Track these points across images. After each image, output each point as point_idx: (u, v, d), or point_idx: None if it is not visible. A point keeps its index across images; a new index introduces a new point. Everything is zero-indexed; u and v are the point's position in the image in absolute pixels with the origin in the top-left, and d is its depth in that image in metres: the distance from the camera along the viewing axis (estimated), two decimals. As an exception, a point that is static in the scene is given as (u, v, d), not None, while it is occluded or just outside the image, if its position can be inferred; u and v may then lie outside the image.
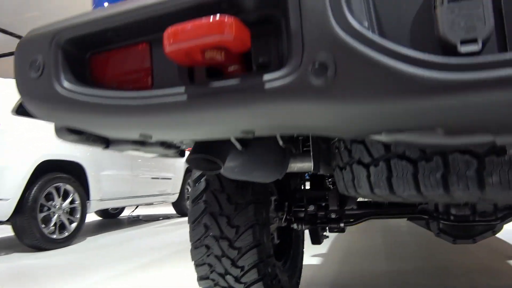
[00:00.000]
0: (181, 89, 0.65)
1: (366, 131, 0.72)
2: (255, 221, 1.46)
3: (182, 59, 0.62)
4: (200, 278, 1.53)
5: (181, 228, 5.43)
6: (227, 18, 0.59)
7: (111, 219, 7.36)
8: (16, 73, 0.75)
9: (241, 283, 1.46)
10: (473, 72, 0.54)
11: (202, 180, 1.49)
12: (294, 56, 0.61)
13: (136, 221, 6.97)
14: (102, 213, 7.22)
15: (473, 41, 0.57)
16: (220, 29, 0.59)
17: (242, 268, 1.45)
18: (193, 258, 1.52)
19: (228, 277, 1.47)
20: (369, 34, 0.58)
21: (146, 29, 0.69)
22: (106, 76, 0.75)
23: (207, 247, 1.48)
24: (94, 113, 0.69)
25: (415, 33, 0.60)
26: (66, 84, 0.71)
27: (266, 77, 0.62)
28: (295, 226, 1.82)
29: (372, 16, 0.61)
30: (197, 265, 1.52)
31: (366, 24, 0.59)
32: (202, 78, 0.68)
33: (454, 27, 0.57)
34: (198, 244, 1.49)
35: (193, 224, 1.49)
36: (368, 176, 1.08)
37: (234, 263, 1.46)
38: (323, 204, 1.83)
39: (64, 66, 0.71)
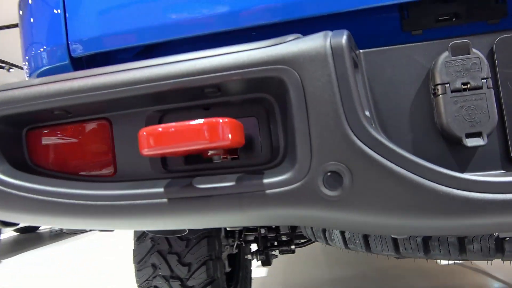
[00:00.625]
0: (155, 184, 0.53)
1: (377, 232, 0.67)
2: (209, 256, 1.36)
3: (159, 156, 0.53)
4: None
5: (111, 242, 5.08)
6: (221, 122, 0.50)
7: (30, 233, 6.70)
8: None
9: None
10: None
11: None
12: (300, 161, 0.54)
13: (58, 234, 6.41)
14: (19, 227, 6.54)
15: (478, 134, 0.56)
16: (214, 136, 0.49)
17: None
18: None
19: None
20: (389, 143, 0.54)
21: (107, 107, 0.55)
22: (50, 159, 0.59)
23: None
24: (40, 211, 0.53)
25: (416, 123, 0.59)
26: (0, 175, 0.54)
27: (266, 180, 0.54)
28: (248, 256, 1.75)
29: (372, 107, 0.58)
30: None
31: (374, 125, 0.57)
32: (179, 166, 0.57)
33: (458, 119, 0.56)
34: (145, 285, 1.36)
35: (139, 264, 1.35)
36: (343, 232, 1.01)
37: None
38: (274, 226, 1.77)
39: None
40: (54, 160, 0.59)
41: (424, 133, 0.59)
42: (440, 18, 0.66)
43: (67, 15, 0.62)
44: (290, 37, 0.58)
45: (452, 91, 0.57)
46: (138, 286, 1.37)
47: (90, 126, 0.58)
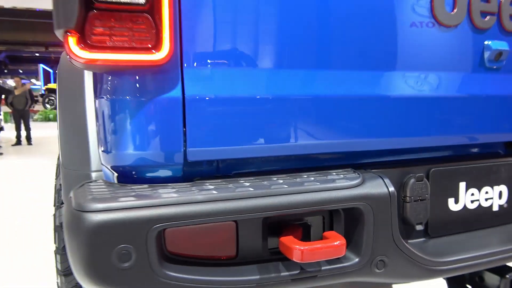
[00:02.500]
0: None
1: None
2: None
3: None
4: None
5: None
6: (341, 241, 0.77)
7: None
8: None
9: None
10: None
11: None
12: (363, 255, 0.82)
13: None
14: None
15: (421, 223, 0.94)
16: (340, 250, 0.76)
17: None
18: None
19: None
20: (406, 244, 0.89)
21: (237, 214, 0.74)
22: (185, 248, 0.74)
23: None
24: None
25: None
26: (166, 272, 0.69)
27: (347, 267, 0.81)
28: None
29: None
30: None
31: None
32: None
33: (414, 214, 0.93)
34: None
35: (66, 270, 1.38)
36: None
37: None
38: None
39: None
40: (185, 248, 0.74)
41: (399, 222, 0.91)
42: None
43: (187, 130, 0.76)
44: (352, 176, 0.84)
45: (414, 201, 0.93)
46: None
47: (221, 226, 0.74)
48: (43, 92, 20.23)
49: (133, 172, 0.80)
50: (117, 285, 0.66)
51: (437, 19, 0.92)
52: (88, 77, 1.35)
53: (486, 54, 0.99)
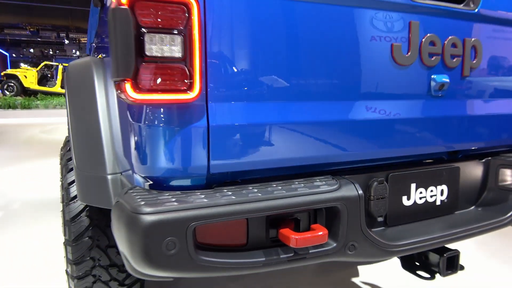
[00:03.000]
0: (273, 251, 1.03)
1: None
2: None
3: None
4: None
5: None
6: (324, 231, 1.04)
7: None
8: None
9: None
10: None
11: (83, 217, 1.61)
12: (339, 241, 1.08)
13: None
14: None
15: (381, 216, 1.26)
16: (324, 238, 1.03)
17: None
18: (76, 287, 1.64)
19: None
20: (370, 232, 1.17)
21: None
22: (210, 238, 0.99)
23: (94, 276, 1.64)
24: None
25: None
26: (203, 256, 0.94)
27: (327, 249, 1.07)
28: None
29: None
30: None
31: None
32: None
33: (376, 209, 1.24)
34: (83, 275, 1.62)
35: (77, 259, 1.60)
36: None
37: (121, 283, 1.68)
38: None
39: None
40: (210, 239, 0.99)
41: (365, 215, 1.18)
42: None
43: (210, 149, 0.99)
44: (331, 183, 1.09)
45: (376, 199, 1.21)
46: (75, 275, 1.60)
47: (237, 222, 0.99)
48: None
49: (165, 181, 1.03)
50: (165, 267, 0.89)
51: (396, 60, 1.20)
52: (99, 91, 1.54)
53: (433, 85, 1.28)
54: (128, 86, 0.89)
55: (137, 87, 0.90)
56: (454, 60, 1.30)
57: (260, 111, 1.04)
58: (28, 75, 17.89)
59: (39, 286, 2.46)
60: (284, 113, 1.07)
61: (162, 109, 0.96)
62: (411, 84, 1.25)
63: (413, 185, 1.32)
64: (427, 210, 1.37)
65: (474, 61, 1.35)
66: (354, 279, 2.44)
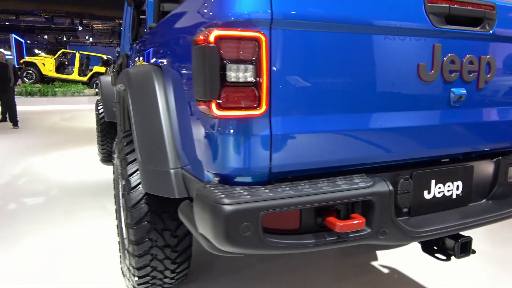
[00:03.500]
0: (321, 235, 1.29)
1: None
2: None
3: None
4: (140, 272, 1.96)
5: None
6: (362, 220, 1.27)
7: None
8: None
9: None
10: None
11: (142, 204, 1.89)
12: (373, 228, 1.30)
13: None
14: None
15: (406, 207, 1.54)
16: (362, 225, 1.25)
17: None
18: (137, 264, 1.93)
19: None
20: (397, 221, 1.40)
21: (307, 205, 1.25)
22: (272, 224, 1.24)
23: (152, 254, 1.93)
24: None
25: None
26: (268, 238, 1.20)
27: (364, 234, 1.30)
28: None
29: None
30: (139, 268, 1.95)
31: None
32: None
33: (402, 202, 1.50)
34: (143, 254, 1.91)
35: (138, 240, 1.89)
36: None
37: (173, 261, 2.00)
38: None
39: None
40: (272, 225, 1.23)
41: (394, 207, 1.39)
42: None
43: (272, 154, 1.24)
44: (366, 180, 1.33)
45: (402, 193, 1.47)
46: (136, 254, 1.89)
47: (292, 211, 1.24)
48: (16, 65, 19.88)
49: (233, 178, 1.29)
50: (241, 245, 1.15)
51: (421, 77, 1.43)
52: (160, 96, 1.79)
53: (452, 97, 1.51)
54: (213, 106, 1.14)
55: (220, 106, 1.15)
56: (471, 75, 1.53)
57: (311, 123, 1.29)
58: (46, 63, 18.30)
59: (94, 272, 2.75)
60: (330, 123, 1.32)
61: (236, 122, 1.21)
62: (433, 97, 1.48)
63: (433, 181, 1.56)
64: (444, 203, 1.60)
65: (488, 75, 1.57)
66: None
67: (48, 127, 10.01)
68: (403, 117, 1.44)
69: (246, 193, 1.19)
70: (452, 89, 1.50)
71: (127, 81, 2.01)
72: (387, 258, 2.76)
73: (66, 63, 19.71)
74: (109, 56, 19.46)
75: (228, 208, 1.13)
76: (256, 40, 1.15)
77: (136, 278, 2.04)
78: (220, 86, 1.13)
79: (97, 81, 19.03)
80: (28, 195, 4.29)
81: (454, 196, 1.62)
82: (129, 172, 2.00)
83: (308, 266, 2.64)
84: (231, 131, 1.21)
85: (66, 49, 25.26)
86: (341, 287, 2.40)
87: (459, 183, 1.63)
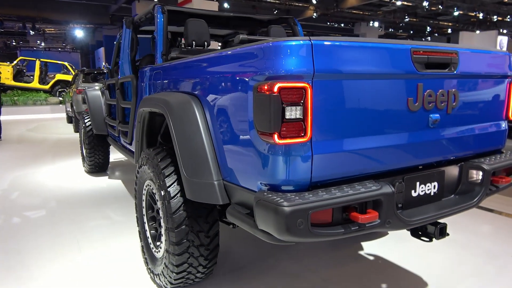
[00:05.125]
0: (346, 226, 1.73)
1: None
2: (217, 228, 2.43)
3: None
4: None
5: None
6: (375, 214, 1.74)
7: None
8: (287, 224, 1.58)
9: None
10: None
11: (181, 210, 2.31)
12: (382, 219, 1.75)
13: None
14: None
15: (401, 203, 2.05)
16: (375, 218, 1.73)
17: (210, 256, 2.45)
18: (176, 262, 2.35)
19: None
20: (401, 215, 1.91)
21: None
22: (314, 219, 1.66)
23: (189, 253, 2.36)
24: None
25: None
26: (314, 229, 1.63)
27: (376, 223, 1.74)
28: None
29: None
30: (178, 265, 2.36)
31: None
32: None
33: (398, 199, 2.10)
34: (182, 253, 2.34)
35: (178, 241, 2.30)
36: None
37: (206, 258, 2.43)
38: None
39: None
40: (314, 221, 1.65)
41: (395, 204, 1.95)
42: None
43: (313, 168, 1.68)
44: (376, 185, 1.79)
45: (398, 193, 1.95)
46: (176, 252, 2.31)
47: (327, 210, 1.65)
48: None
49: (281, 187, 1.74)
50: (297, 236, 1.60)
51: (409, 108, 1.96)
52: (200, 120, 2.21)
53: (430, 121, 2.05)
54: (275, 136, 1.60)
55: (280, 137, 1.61)
56: (442, 104, 2.08)
57: (340, 145, 1.78)
58: (3, 71, 17.66)
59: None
60: (351, 144, 1.81)
61: (289, 147, 1.67)
62: (418, 121, 2.02)
63: (417, 183, 2.10)
64: (425, 199, 2.15)
65: (454, 103, 2.14)
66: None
67: (16, 139, 9.85)
68: (399, 137, 1.97)
69: (297, 197, 1.65)
70: (430, 115, 2.05)
71: (166, 107, 2.40)
72: (370, 249, 3.32)
73: (24, 70, 19.08)
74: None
75: (288, 209, 1.58)
76: (304, 88, 1.62)
77: (174, 274, 2.43)
78: (281, 122, 1.59)
79: (60, 90, 18.65)
80: (27, 208, 4.46)
81: (432, 194, 2.17)
82: (168, 183, 2.39)
83: (310, 256, 3.14)
84: (285, 153, 1.67)
85: (17, 54, 24.27)
86: (332, 273, 2.92)
87: (435, 183, 2.18)
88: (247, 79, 1.80)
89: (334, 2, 21.06)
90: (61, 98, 16.88)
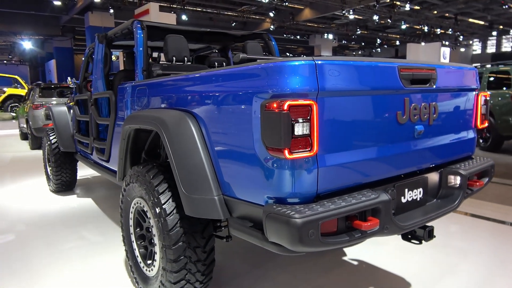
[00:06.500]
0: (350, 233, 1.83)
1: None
2: (213, 242, 2.47)
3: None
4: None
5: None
6: (376, 221, 1.84)
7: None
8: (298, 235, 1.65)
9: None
10: None
11: (178, 227, 2.33)
12: (380, 225, 1.87)
13: None
14: None
15: (393, 209, 2.23)
16: (376, 225, 1.83)
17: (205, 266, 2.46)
18: (174, 279, 2.36)
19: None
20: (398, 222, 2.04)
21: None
22: (323, 229, 1.72)
23: (186, 269, 2.38)
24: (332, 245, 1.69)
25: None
26: (324, 239, 1.69)
27: (376, 230, 1.86)
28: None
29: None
30: (175, 271, 2.35)
31: None
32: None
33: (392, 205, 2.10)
34: (179, 269, 2.36)
35: (176, 258, 2.32)
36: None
37: (202, 273, 2.45)
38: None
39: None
40: (323, 230, 1.71)
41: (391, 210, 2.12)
42: None
43: (319, 181, 1.74)
44: (374, 193, 1.91)
45: (391, 199, 1.98)
46: (173, 267, 2.33)
47: (333, 220, 1.75)
48: None
49: (288, 199, 1.82)
50: (308, 245, 1.68)
51: (398, 121, 2.11)
52: (197, 137, 2.25)
53: (415, 132, 2.22)
54: (286, 152, 1.68)
55: (290, 152, 1.69)
56: (425, 116, 2.26)
57: (341, 157, 1.89)
58: None
59: None
60: (351, 157, 1.92)
61: (297, 161, 1.75)
62: (405, 133, 2.18)
63: (406, 190, 2.25)
64: (413, 204, 2.31)
65: (434, 115, 2.33)
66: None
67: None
68: (391, 148, 2.11)
69: (307, 209, 1.73)
70: (415, 126, 2.22)
71: (161, 125, 2.40)
72: (352, 254, 3.46)
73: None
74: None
75: (300, 220, 1.66)
76: (310, 105, 1.72)
77: None
78: (291, 138, 1.67)
79: (12, 105, 17.63)
80: (-3, 232, 4.21)
81: (418, 199, 2.34)
82: (163, 200, 2.40)
83: (296, 263, 3.22)
84: (294, 167, 1.76)
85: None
86: (322, 281, 3.02)
87: (421, 189, 2.35)
88: (250, 97, 1.86)
89: (290, 15, 21.68)
90: (13, 114, 16.00)
